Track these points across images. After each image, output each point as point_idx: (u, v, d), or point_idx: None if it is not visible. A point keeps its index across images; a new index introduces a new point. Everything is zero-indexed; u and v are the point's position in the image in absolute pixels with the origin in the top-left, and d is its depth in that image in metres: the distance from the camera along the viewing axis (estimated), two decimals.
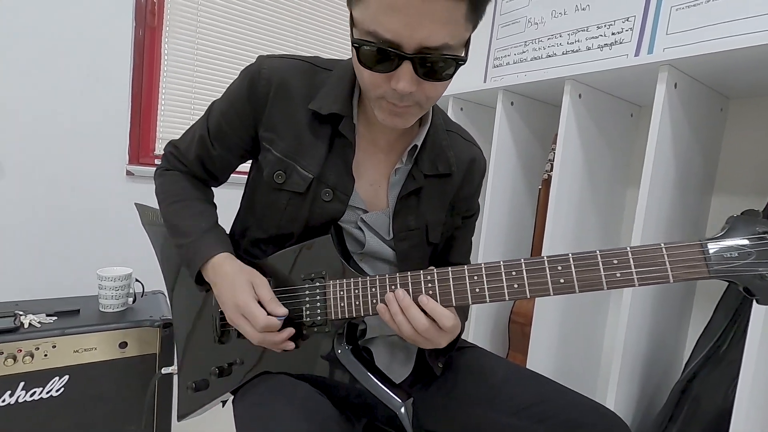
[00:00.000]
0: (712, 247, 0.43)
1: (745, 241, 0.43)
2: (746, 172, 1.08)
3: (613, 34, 1.39)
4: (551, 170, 1.27)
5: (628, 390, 0.98)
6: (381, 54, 0.51)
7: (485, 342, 1.40)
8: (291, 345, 0.62)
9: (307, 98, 0.64)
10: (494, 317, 1.42)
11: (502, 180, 1.35)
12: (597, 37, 1.44)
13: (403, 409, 0.56)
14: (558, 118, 1.12)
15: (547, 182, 1.31)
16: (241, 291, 0.60)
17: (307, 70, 0.66)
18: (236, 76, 0.68)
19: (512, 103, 1.33)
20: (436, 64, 0.52)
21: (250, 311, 0.59)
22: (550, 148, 1.36)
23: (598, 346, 1.33)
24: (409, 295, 0.56)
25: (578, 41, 1.50)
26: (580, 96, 1.11)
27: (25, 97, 1.43)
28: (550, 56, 1.59)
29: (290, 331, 0.62)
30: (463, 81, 1.49)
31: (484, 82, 1.81)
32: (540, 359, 1.15)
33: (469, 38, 0.55)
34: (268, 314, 0.59)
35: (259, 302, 0.60)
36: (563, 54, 1.55)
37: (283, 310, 0.60)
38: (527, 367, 1.12)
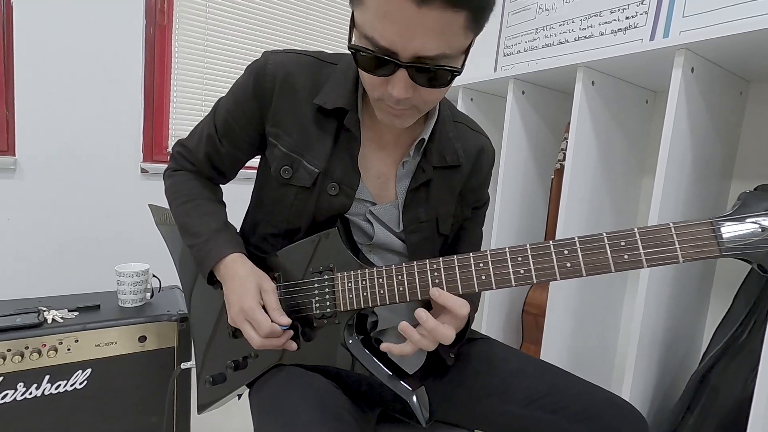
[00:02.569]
0: (723, 225, 0.42)
1: (757, 218, 0.41)
2: (767, 156, 1.05)
3: (627, 18, 1.36)
4: (564, 159, 1.26)
5: (644, 380, 0.97)
6: (377, 60, 0.51)
7: (498, 333, 1.40)
8: (293, 345, 0.64)
9: (312, 93, 0.64)
10: (507, 308, 1.41)
11: (513, 170, 1.33)
12: (610, 22, 1.40)
13: (414, 397, 0.56)
14: (570, 107, 1.10)
15: (559, 172, 1.29)
16: (249, 296, 0.61)
17: (311, 64, 0.66)
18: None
19: (523, 92, 1.31)
20: (432, 73, 0.51)
21: (255, 317, 0.60)
22: (562, 137, 1.34)
23: (613, 336, 1.32)
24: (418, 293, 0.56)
25: (591, 27, 1.46)
26: (593, 83, 1.09)
27: (40, 98, 1.46)
28: (561, 43, 1.56)
29: (290, 333, 0.63)
30: (474, 71, 1.47)
31: (495, 71, 1.79)
32: (554, 350, 1.14)
33: (470, 45, 0.54)
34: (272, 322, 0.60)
35: (264, 309, 0.61)
36: (575, 40, 1.51)
37: (286, 320, 0.61)
38: (541, 358, 1.12)
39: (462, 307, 0.54)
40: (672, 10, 1.23)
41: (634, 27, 1.33)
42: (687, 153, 0.95)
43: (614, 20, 1.39)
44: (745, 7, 1.06)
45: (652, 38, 1.26)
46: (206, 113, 0.75)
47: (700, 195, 1.01)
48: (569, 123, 1.13)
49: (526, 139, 1.35)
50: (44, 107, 1.47)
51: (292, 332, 0.63)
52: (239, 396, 0.78)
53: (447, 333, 0.55)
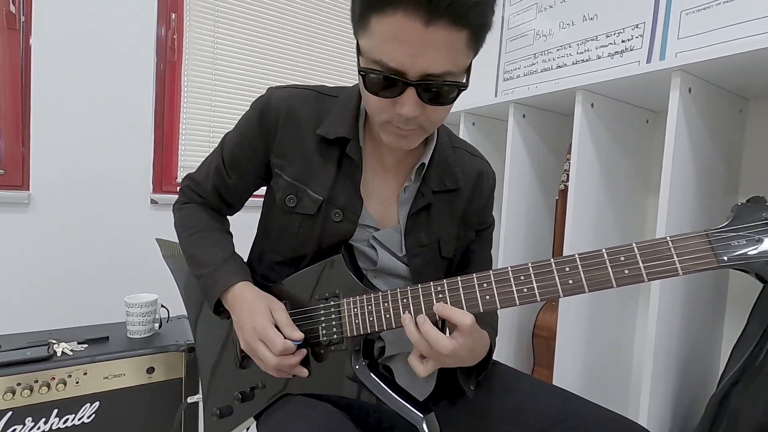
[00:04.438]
0: (718, 237, 0.43)
1: (752, 228, 0.42)
2: None
3: (623, 41, 1.39)
4: (567, 180, 1.26)
5: (661, 404, 0.94)
6: (386, 81, 0.53)
7: (509, 358, 1.37)
8: (304, 371, 0.63)
9: (315, 124, 0.67)
10: (517, 332, 1.39)
11: (517, 193, 1.34)
12: (607, 46, 1.43)
13: (424, 424, 0.56)
14: (571, 128, 1.12)
15: (563, 193, 1.30)
16: (259, 315, 0.62)
17: (313, 98, 0.69)
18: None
19: (524, 116, 1.33)
20: (438, 90, 0.54)
21: (267, 335, 0.60)
22: (564, 158, 1.35)
23: (627, 357, 1.28)
24: (422, 311, 0.56)
25: (588, 50, 1.49)
26: (592, 105, 1.11)
27: (55, 134, 1.51)
28: (560, 67, 1.59)
29: (303, 352, 0.63)
30: (475, 96, 1.50)
31: (495, 96, 1.82)
32: (566, 373, 1.12)
33: (471, 64, 0.57)
34: (285, 338, 0.60)
35: (276, 327, 0.62)
36: (573, 64, 1.55)
37: (299, 335, 0.61)
38: (553, 382, 1.09)
39: (464, 316, 0.53)
40: (667, 32, 1.26)
41: (631, 50, 1.36)
42: (690, 171, 0.95)
43: (610, 44, 1.42)
44: (738, 28, 1.08)
45: (648, 60, 1.28)
46: (214, 145, 0.77)
47: (705, 212, 1.01)
48: (571, 144, 1.15)
49: (528, 162, 1.36)
50: (58, 142, 1.51)
51: (305, 352, 0.63)
52: (247, 429, 0.77)
53: (442, 340, 0.53)
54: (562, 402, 0.67)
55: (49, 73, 1.49)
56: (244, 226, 0.88)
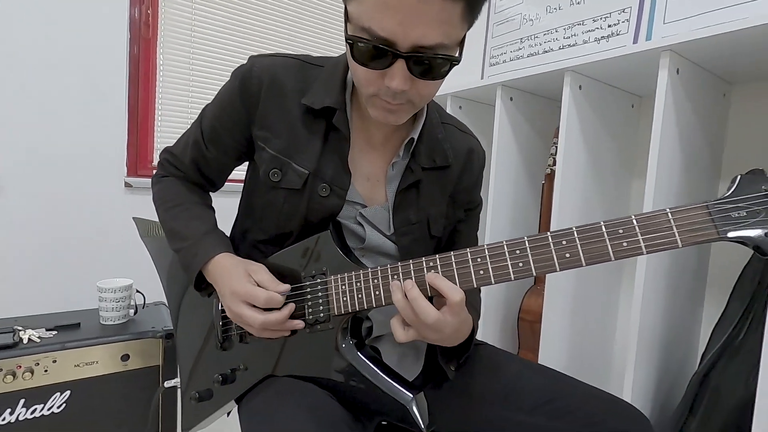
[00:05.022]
0: (719, 208, 0.42)
1: (752, 200, 0.41)
2: (752, 156, 1.06)
3: (609, 26, 1.38)
4: (554, 164, 1.26)
5: (644, 383, 0.95)
6: (375, 51, 0.50)
7: (495, 341, 1.37)
8: (300, 324, 0.60)
9: (300, 94, 0.63)
10: (502, 316, 1.39)
11: (504, 177, 1.33)
12: (593, 30, 1.43)
13: (414, 403, 0.54)
14: (558, 113, 1.11)
15: (550, 176, 1.30)
16: (237, 278, 0.59)
17: (298, 67, 0.65)
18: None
19: (511, 99, 1.32)
20: (430, 63, 0.51)
21: (249, 291, 0.57)
22: (551, 142, 1.35)
23: (610, 341, 1.30)
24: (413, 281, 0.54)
25: (574, 35, 1.49)
26: (580, 87, 1.10)
27: (22, 113, 1.42)
28: (546, 52, 1.58)
29: (291, 306, 0.60)
30: (462, 79, 1.48)
31: (482, 79, 1.80)
32: (551, 357, 1.12)
33: (464, 37, 0.54)
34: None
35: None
36: (560, 49, 1.54)
37: (284, 287, 0.59)
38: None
39: (454, 291, 0.51)
40: (653, 17, 1.26)
41: (617, 34, 1.35)
42: (676, 153, 0.95)
43: (597, 28, 1.42)
44: (724, 12, 1.08)
45: (635, 44, 1.28)
46: None
47: (690, 196, 1.02)
48: (558, 128, 1.14)
49: (515, 145, 1.35)
50: (25, 121, 1.43)
51: (293, 306, 0.60)
52: (228, 413, 0.74)
53: (429, 310, 0.52)
54: (552, 382, 0.66)
55: (13, 51, 1.39)
56: (222, 213, 0.83)
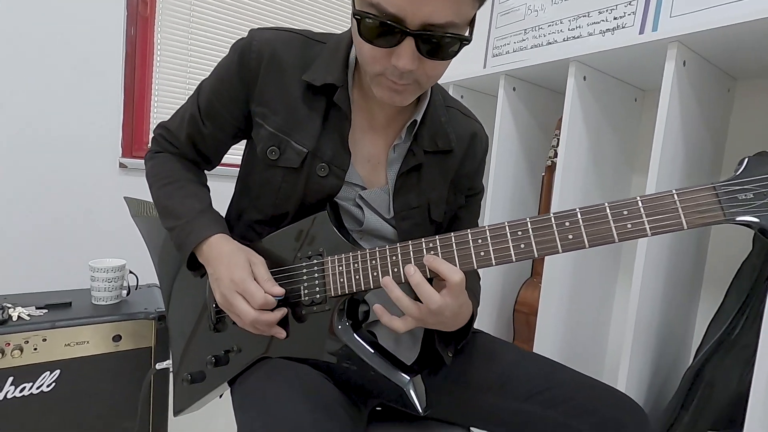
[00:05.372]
0: (726, 190, 0.41)
1: (760, 182, 0.40)
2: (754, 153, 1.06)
3: (615, 18, 1.36)
4: (555, 156, 1.25)
5: (638, 377, 0.96)
6: (383, 28, 0.49)
7: (490, 332, 1.37)
8: (282, 333, 0.60)
9: (301, 70, 0.62)
10: (498, 307, 1.39)
11: (504, 168, 1.32)
12: (599, 23, 1.41)
13: (411, 386, 0.53)
14: (560, 105, 1.10)
15: (550, 168, 1.29)
16: (238, 268, 0.57)
17: (299, 41, 0.63)
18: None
19: (514, 89, 1.30)
20: (439, 42, 0.50)
21: (247, 287, 0.56)
22: (552, 134, 1.34)
23: (604, 334, 1.30)
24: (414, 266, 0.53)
25: (579, 27, 1.47)
26: (584, 78, 1.09)
27: (15, 91, 1.40)
28: (550, 43, 1.56)
29: (283, 311, 0.59)
30: (464, 68, 1.46)
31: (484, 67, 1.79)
32: (546, 349, 1.12)
33: (475, 16, 0.53)
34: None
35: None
36: (564, 41, 1.52)
37: (279, 290, 0.57)
38: None
39: (454, 272, 0.50)
40: (659, 10, 1.24)
41: (623, 27, 1.34)
42: (679, 148, 0.94)
43: (602, 20, 1.40)
44: (732, 7, 1.07)
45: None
46: None
47: None
48: (560, 120, 1.13)
49: (516, 136, 1.34)
50: (19, 99, 1.40)
51: (285, 311, 0.59)
52: (220, 395, 0.73)
53: (433, 295, 0.50)
54: (548, 371, 0.66)
55: (8, 29, 1.36)
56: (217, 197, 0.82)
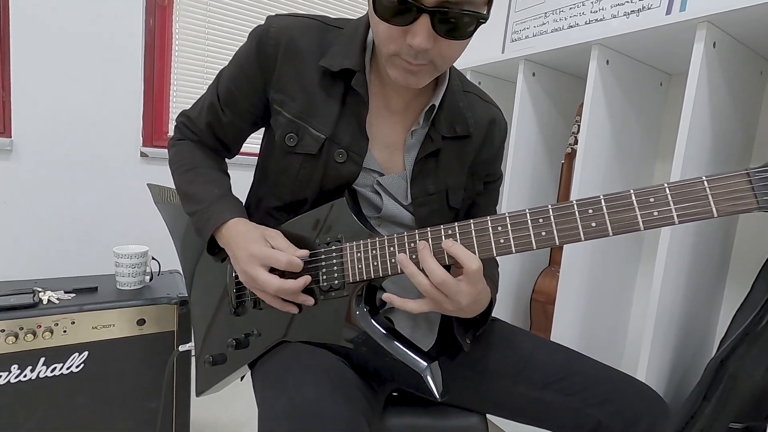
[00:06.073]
0: (760, 176, 0.39)
1: None
2: None
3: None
4: (575, 143, 1.22)
5: (659, 367, 0.94)
6: (399, 5, 0.48)
7: (507, 320, 1.36)
8: (310, 300, 0.60)
9: (318, 56, 0.62)
10: (515, 295, 1.38)
11: (523, 154, 1.30)
12: (623, 4, 1.36)
13: (428, 372, 0.53)
14: (581, 90, 1.07)
15: (570, 156, 1.26)
16: (255, 242, 0.58)
17: (316, 28, 0.63)
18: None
19: (534, 74, 1.27)
20: (456, 20, 0.49)
21: (268, 255, 0.57)
22: (573, 121, 1.31)
23: (624, 323, 1.29)
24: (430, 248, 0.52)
25: (602, 9, 1.42)
26: (607, 62, 1.05)
27: (39, 80, 1.43)
28: (572, 27, 1.52)
29: (307, 278, 0.59)
30: (481, 53, 1.43)
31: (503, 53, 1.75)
32: (563, 337, 1.11)
33: None
34: None
35: None
36: (586, 24, 1.47)
37: (303, 252, 0.58)
38: None
39: (471, 259, 0.50)
40: None
41: (648, 8, 1.29)
42: (707, 134, 0.91)
43: (627, 2, 1.35)
44: None
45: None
46: None
47: None
48: (581, 106, 1.10)
49: (536, 123, 1.31)
50: (41, 88, 1.43)
51: (309, 278, 0.59)
52: (241, 378, 0.75)
53: (446, 278, 0.50)
54: (566, 359, 0.65)
55: (30, 15, 1.39)
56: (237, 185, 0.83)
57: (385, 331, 0.57)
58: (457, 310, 0.54)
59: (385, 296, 0.54)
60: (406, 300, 0.54)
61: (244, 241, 0.59)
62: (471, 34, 0.52)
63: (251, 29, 0.64)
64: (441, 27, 0.49)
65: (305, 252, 0.58)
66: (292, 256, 0.57)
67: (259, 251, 0.57)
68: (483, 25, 0.52)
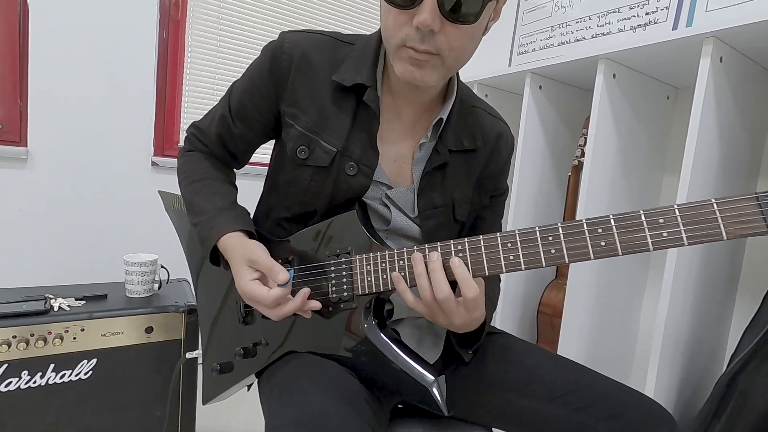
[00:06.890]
0: None
1: None
2: None
3: (647, 14, 1.32)
4: (581, 156, 1.23)
5: (667, 383, 0.93)
6: None
7: (513, 333, 1.36)
8: (317, 305, 0.60)
9: (330, 71, 0.63)
10: (522, 308, 1.37)
11: (529, 167, 1.31)
12: (629, 18, 1.37)
13: (435, 386, 0.53)
14: (588, 103, 1.07)
15: (576, 168, 1.26)
16: (241, 276, 0.59)
17: (328, 43, 0.65)
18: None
19: (540, 87, 1.28)
20: (461, 1, 0.50)
21: (253, 294, 0.57)
22: (579, 133, 1.31)
23: (632, 337, 1.27)
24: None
25: (609, 23, 1.43)
26: (614, 76, 1.06)
27: (53, 90, 1.46)
28: (578, 40, 1.53)
29: (306, 291, 0.59)
30: (488, 66, 1.45)
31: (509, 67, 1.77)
32: (570, 352, 1.10)
33: None
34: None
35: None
36: (592, 38, 1.48)
37: (284, 276, 0.57)
38: None
39: (470, 288, 0.51)
40: (695, 4, 1.20)
41: (654, 23, 1.30)
42: (714, 149, 0.91)
43: (633, 16, 1.36)
44: None
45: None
46: None
47: (725, 192, 0.97)
48: (587, 118, 1.11)
49: (542, 136, 1.32)
50: (57, 99, 1.47)
51: (308, 290, 0.59)
52: (248, 387, 0.75)
53: (444, 285, 0.51)
54: (573, 373, 0.65)
55: (48, 29, 1.43)
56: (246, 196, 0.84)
57: (392, 344, 0.57)
58: (449, 325, 0.55)
59: (394, 275, 0.55)
60: (408, 290, 0.55)
61: (235, 273, 0.61)
62: (477, 17, 0.52)
63: (262, 43, 0.66)
64: (447, 6, 0.50)
65: (285, 276, 0.57)
66: (274, 291, 0.56)
67: (246, 288, 0.58)
68: (490, 39, 0.53)
